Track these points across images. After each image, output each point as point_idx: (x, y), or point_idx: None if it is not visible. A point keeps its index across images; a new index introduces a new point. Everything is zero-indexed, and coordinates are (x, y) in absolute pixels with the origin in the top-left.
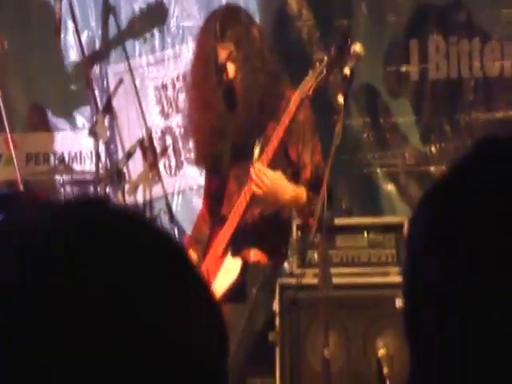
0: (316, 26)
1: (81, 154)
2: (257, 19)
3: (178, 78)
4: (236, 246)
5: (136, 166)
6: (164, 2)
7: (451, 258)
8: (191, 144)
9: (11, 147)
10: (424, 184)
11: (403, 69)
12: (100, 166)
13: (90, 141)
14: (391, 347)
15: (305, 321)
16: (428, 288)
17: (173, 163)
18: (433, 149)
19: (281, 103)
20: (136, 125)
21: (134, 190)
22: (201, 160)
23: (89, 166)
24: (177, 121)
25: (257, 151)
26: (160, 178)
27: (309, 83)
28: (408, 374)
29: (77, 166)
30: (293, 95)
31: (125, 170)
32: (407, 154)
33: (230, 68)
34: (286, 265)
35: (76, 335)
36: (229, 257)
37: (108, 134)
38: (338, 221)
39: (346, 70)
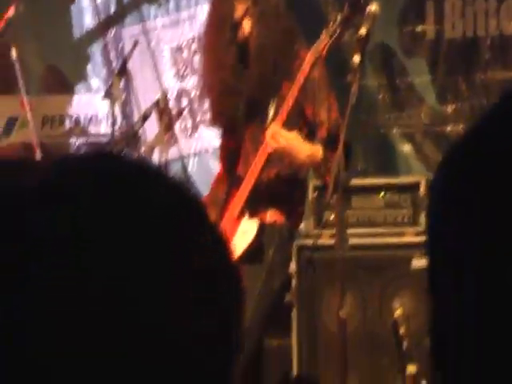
0: None
1: (96, 116)
2: None
3: (193, 39)
4: (253, 207)
5: (152, 129)
6: None
7: (468, 218)
8: (206, 104)
9: (27, 109)
10: (440, 144)
11: (419, 28)
12: (116, 128)
13: (106, 103)
14: (407, 307)
15: (321, 281)
16: (445, 249)
17: (189, 125)
18: (449, 108)
19: (295, 62)
20: (152, 87)
21: (150, 152)
22: (216, 119)
23: (104, 128)
24: (192, 82)
25: (272, 111)
26: (176, 140)
27: (323, 43)
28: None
29: (92, 129)
30: (307, 54)
31: (140, 132)
32: (423, 114)
33: (246, 24)
34: (302, 226)
35: (76, 335)
36: (245, 218)
37: (123, 96)
38: (354, 181)
39: (362, 30)
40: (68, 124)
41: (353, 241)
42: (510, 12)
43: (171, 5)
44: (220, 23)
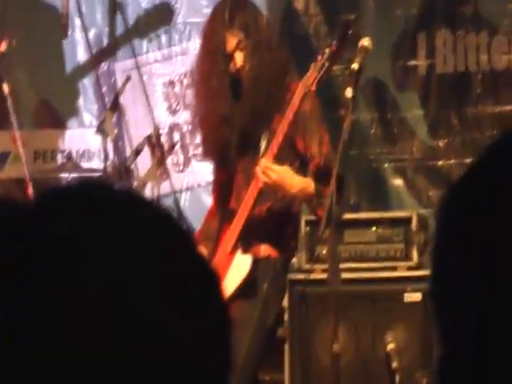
0: (323, 21)
1: (89, 151)
2: (264, 14)
3: (185, 74)
4: (246, 241)
5: (144, 163)
6: (170, 3)
7: (467, 254)
8: (199, 137)
9: (19, 144)
10: (432, 178)
11: (411, 63)
12: (108, 163)
13: (98, 138)
14: (400, 341)
15: (314, 316)
16: (446, 284)
17: (181, 160)
18: (440, 143)
19: (286, 95)
20: (144, 122)
21: (142, 186)
22: (209, 151)
23: (97, 163)
24: (184, 117)
25: (263, 145)
26: (168, 175)
27: (311, 76)
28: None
29: (85, 164)
30: (298, 88)
31: (133, 167)
32: (415, 148)
33: (238, 57)
34: (294, 260)
35: (76, 335)
36: (239, 253)
37: (116, 131)
38: (347, 215)
39: (355, 65)
40: (60, 159)
41: (345, 275)
42: (501, 47)
43: (163, 39)
44: (213, 55)
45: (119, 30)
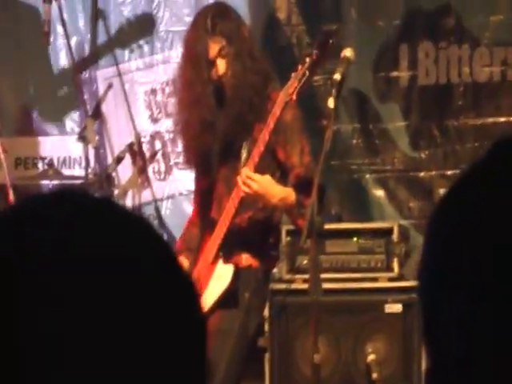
0: (305, 30)
1: (70, 158)
2: (247, 23)
3: (167, 82)
4: (227, 251)
5: (125, 171)
6: (151, 13)
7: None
8: (181, 145)
9: (0, 151)
10: (413, 189)
11: (393, 74)
12: (89, 170)
13: (80, 146)
14: (381, 352)
15: (294, 326)
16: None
17: (162, 168)
18: (422, 154)
19: (267, 105)
20: (125, 130)
21: (123, 194)
22: (191, 159)
23: (78, 170)
24: (166, 126)
25: (244, 154)
26: (149, 183)
27: (292, 86)
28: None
29: (66, 171)
30: (278, 97)
31: (114, 174)
32: (396, 159)
33: (221, 64)
34: (275, 270)
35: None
36: (220, 263)
37: (97, 138)
38: (328, 226)
39: (337, 75)
40: (41, 166)
41: (326, 285)
42: (483, 59)
43: (146, 48)
44: (195, 62)
45: (101, 37)
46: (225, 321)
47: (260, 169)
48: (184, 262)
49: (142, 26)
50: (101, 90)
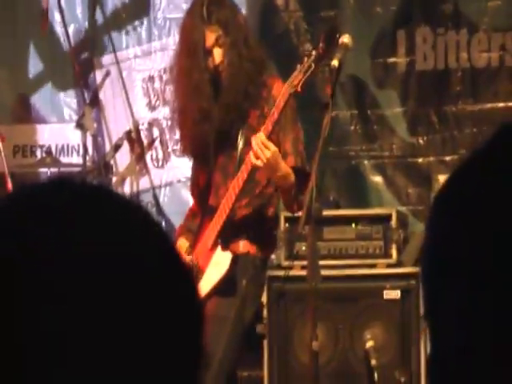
0: (303, 17)
1: (68, 146)
2: (244, 10)
3: (165, 70)
4: (225, 238)
5: (123, 159)
6: None
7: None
8: (178, 132)
9: None
10: (411, 176)
11: (390, 60)
12: (87, 158)
13: (78, 133)
14: (379, 339)
15: (293, 313)
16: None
17: (160, 155)
18: (420, 140)
19: (263, 91)
20: (123, 117)
21: (121, 182)
22: (187, 147)
23: (76, 158)
24: (164, 113)
25: (241, 142)
26: (147, 170)
27: (297, 78)
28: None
29: (64, 159)
30: (274, 83)
31: (112, 162)
32: (394, 145)
33: (217, 53)
34: (273, 257)
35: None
36: (218, 250)
37: (95, 126)
38: (326, 213)
39: (334, 62)
40: (39, 154)
41: (324, 272)
42: (481, 45)
43: (143, 35)
44: (192, 50)
45: (98, 24)
46: (222, 307)
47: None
48: (183, 243)
49: (137, 8)
50: (98, 78)
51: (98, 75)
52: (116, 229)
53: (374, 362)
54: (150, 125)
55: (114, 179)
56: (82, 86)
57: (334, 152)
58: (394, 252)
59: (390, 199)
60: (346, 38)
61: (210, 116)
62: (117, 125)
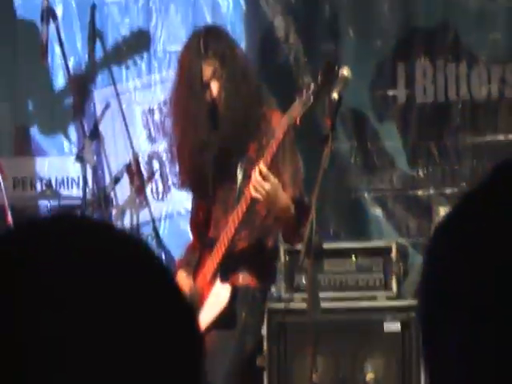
0: (303, 49)
1: (68, 178)
2: (244, 42)
3: (164, 102)
4: (224, 270)
5: (123, 191)
6: (147, 30)
7: (456, 292)
8: (176, 165)
9: None
10: (411, 208)
11: (390, 92)
12: (87, 191)
13: (77, 166)
14: (379, 371)
15: (293, 345)
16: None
17: (160, 188)
18: (420, 173)
19: (261, 124)
20: (123, 150)
21: (121, 214)
22: (186, 181)
23: (76, 191)
24: (164, 145)
25: (241, 174)
26: (147, 203)
27: (296, 110)
28: None
29: (64, 191)
30: (273, 115)
31: (112, 195)
32: (394, 177)
33: (214, 86)
34: (273, 289)
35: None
36: (218, 283)
37: (95, 159)
38: (326, 245)
39: (334, 94)
40: (39, 186)
41: (324, 304)
42: (481, 77)
43: (143, 67)
44: (189, 84)
45: (98, 57)
46: (221, 340)
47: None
48: (183, 276)
49: (138, 42)
50: (98, 110)
51: (98, 108)
52: (115, 263)
53: None
54: (150, 157)
55: (114, 212)
56: (80, 119)
57: (334, 184)
58: (394, 284)
59: (390, 231)
60: (345, 71)
61: (208, 148)
62: (117, 157)
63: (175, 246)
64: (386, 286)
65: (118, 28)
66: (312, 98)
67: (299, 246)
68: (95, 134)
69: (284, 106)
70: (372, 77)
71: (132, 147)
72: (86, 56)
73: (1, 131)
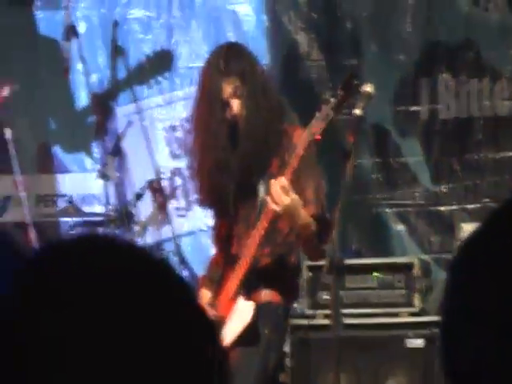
0: (325, 65)
1: (90, 195)
2: (266, 58)
3: (187, 119)
4: (248, 287)
5: (145, 208)
6: (170, 50)
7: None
8: (196, 184)
9: (21, 189)
10: (434, 224)
11: (413, 108)
12: (109, 207)
13: (100, 182)
14: None
15: (315, 361)
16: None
17: (182, 204)
18: (443, 188)
19: (283, 140)
20: (145, 166)
21: (143, 231)
22: (206, 199)
23: (98, 207)
24: (186, 162)
25: (262, 191)
26: (169, 220)
27: (316, 126)
28: None
29: (86, 208)
30: (294, 131)
31: (134, 211)
32: (417, 193)
33: (234, 104)
34: (296, 306)
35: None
36: (241, 300)
37: (117, 175)
38: (348, 261)
39: (357, 110)
40: (61, 203)
41: (347, 321)
42: (504, 92)
43: (165, 84)
44: (209, 102)
45: (121, 74)
46: (245, 357)
47: None
48: (206, 293)
49: (161, 62)
50: (121, 127)
51: (120, 124)
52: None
53: None
54: (173, 174)
55: (136, 228)
56: (103, 136)
57: (357, 200)
58: (416, 301)
59: (412, 247)
60: (368, 87)
61: (228, 167)
62: (139, 174)
63: (198, 263)
64: (409, 303)
65: (139, 44)
66: (332, 112)
67: (322, 262)
68: (118, 151)
69: (306, 122)
70: (394, 92)
71: (154, 164)
72: (109, 73)
73: (24, 149)
